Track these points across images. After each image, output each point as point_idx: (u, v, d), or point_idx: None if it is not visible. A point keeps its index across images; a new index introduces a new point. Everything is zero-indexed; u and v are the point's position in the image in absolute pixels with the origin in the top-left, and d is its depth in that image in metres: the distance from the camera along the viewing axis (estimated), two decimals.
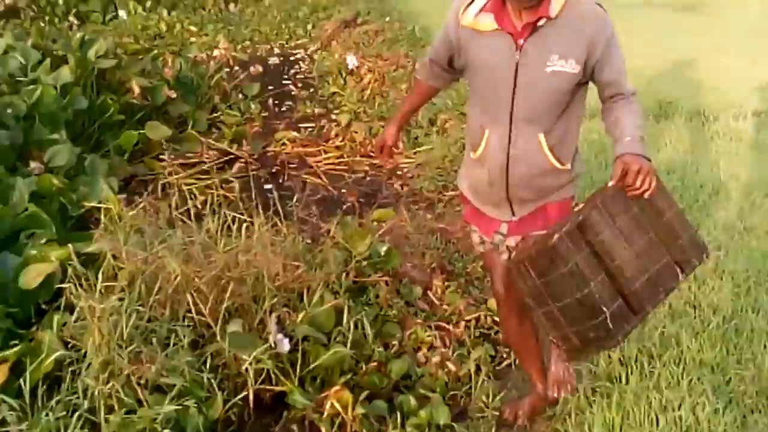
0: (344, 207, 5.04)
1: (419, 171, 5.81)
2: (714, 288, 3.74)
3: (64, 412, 2.88)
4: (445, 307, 3.99)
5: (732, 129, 6.23)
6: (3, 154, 4.48)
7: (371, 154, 6.08)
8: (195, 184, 5.38)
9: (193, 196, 4.91)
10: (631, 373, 3.16)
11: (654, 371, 3.15)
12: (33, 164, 4.57)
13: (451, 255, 4.50)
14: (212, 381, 3.14)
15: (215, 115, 6.86)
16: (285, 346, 3.30)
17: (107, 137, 5.78)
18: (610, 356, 3.25)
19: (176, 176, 5.43)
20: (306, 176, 5.80)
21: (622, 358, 3.24)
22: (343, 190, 5.59)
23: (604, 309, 2.43)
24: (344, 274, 3.81)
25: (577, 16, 2.62)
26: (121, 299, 3.15)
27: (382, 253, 4.08)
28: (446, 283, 4.13)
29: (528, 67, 2.65)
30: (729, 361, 3.24)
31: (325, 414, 3.16)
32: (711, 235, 4.29)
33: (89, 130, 5.78)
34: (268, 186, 5.59)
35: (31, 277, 3.26)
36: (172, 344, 3.17)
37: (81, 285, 3.20)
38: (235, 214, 3.70)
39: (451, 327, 3.81)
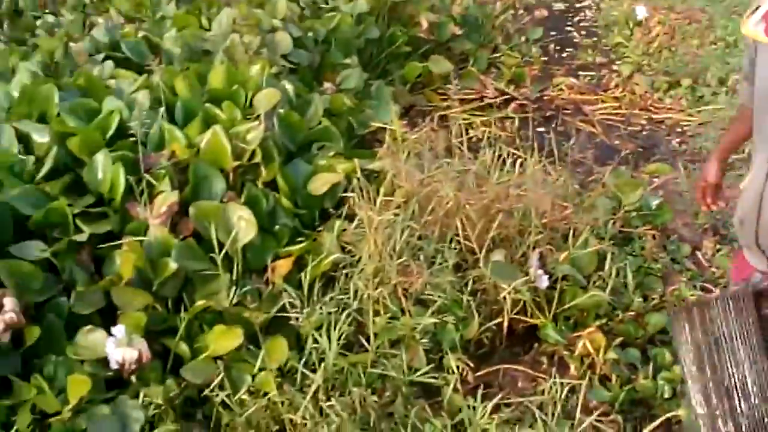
0: (618, 157, 4.95)
1: (701, 130, 5.56)
2: None
3: (335, 309, 3.14)
4: (713, 269, 3.86)
5: None
6: (302, 73, 4.84)
7: (650, 107, 5.89)
8: (471, 119, 5.51)
9: (469, 130, 5.05)
10: None
11: None
12: (326, 84, 4.90)
13: (727, 218, 4.30)
14: (471, 303, 3.27)
15: (496, 55, 6.92)
16: (544, 281, 3.36)
17: (393, 67, 6.04)
18: None
19: (454, 110, 5.59)
20: (581, 123, 5.74)
21: None
22: (617, 141, 5.48)
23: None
24: (611, 222, 3.79)
25: None
26: (396, 214, 3.35)
27: (653, 207, 4.01)
28: (717, 246, 3.98)
29: None
30: None
31: (576, 353, 3.21)
32: None
33: (377, 59, 6.07)
34: (541, 129, 5.60)
35: (319, 185, 3.55)
36: (437, 263, 3.33)
37: (362, 197, 3.44)
38: (510, 149, 3.77)
39: (717, 290, 3.67)
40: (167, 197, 3.28)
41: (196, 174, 3.42)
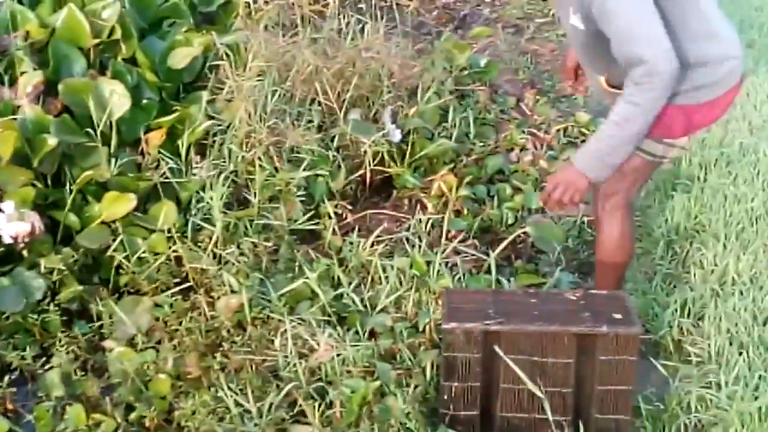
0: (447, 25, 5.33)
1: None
2: None
3: (213, 172, 3.34)
4: (535, 117, 4.35)
5: None
6: None
7: None
8: None
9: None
10: (710, 173, 3.54)
11: (731, 172, 3.52)
12: None
13: (541, 74, 4.82)
14: (336, 158, 3.58)
15: None
16: (397, 135, 3.72)
17: None
18: (690, 160, 3.62)
19: None
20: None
21: (701, 162, 3.61)
22: (434, 13, 5.84)
23: None
24: (448, 80, 4.17)
25: None
26: (260, 80, 3.56)
27: (482, 65, 4.43)
28: (537, 97, 4.48)
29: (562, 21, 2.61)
30: None
31: (432, 193, 3.61)
32: None
33: None
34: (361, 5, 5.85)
35: (179, 59, 3.66)
36: (303, 124, 3.60)
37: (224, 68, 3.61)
38: (358, 16, 4.05)
39: (541, 133, 4.18)
40: (32, 77, 3.31)
41: (55, 53, 3.45)
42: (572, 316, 2.38)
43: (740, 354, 2.64)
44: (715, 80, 2.51)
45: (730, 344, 2.71)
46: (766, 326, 2.76)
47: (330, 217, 3.36)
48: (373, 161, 3.67)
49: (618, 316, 2.36)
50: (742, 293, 2.90)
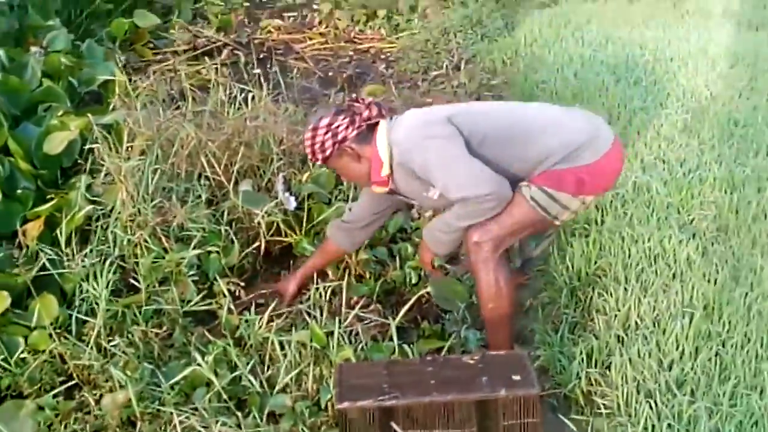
0: (337, 86, 5.29)
1: (401, 54, 6.07)
2: (681, 145, 4.09)
3: (97, 259, 3.19)
4: None
5: (702, 7, 6.52)
6: (4, 40, 4.65)
7: (354, 39, 6.32)
8: (188, 69, 5.58)
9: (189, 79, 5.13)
10: (606, 215, 3.53)
11: (627, 212, 3.51)
12: (34, 49, 4.74)
13: None
14: (229, 232, 3.45)
15: (199, 5, 7.00)
16: (292, 203, 3.62)
17: (97, 26, 5.95)
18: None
19: (169, 62, 5.63)
20: (294, 61, 6.02)
21: (598, 205, 3.60)
22: (330, 73, 5.82)
23: None
24: None
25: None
26: (141, 160, 3.43)
27: None
28: None
29: None
30: (693, 204, 3.61)
31: None
32: (680, 101, 4.63)
33: (79, 19, 5.94)
34: (257, 71, 5.80)
35: (56, 144, 3.52)
36: (191, 201, 3.47)
37: (105, 149, 3.47)
38: (240, 86, 3.96)
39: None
40: None
41: None
42: (470, 382, 2.29)
43: (648, 402, 2.57)
44: (574, 150, 2.75)
45: (638, 392, 2.64)
46: (671, 371, 2.70)
47: (225, 296, 3.21)
48: (270, 231, 3.56)
49: (516, 377, 2.28)
50: (646, 338, 2.85)
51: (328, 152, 2.86)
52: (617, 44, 5.52)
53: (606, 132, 2.87)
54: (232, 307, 3.18)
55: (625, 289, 3.09)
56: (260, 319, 3.06)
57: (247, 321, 3.06)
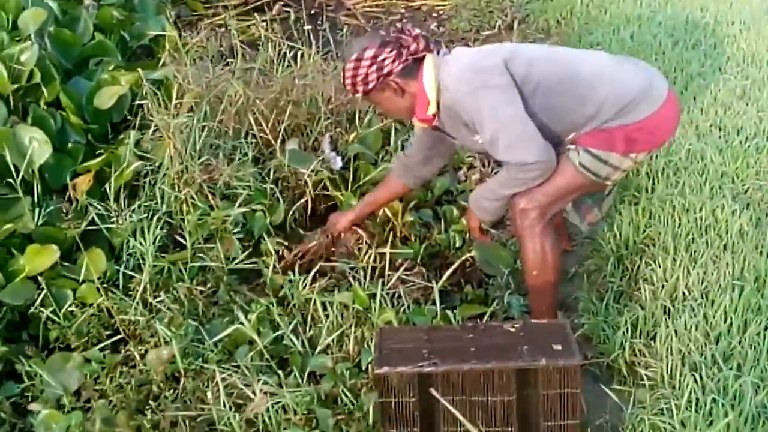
0: None
1: (453, 12, 5.97)
2: (739, 112, 3.97)
3: (145, 215, 3.21)
4: None
5: None
6: None
7: None
8: (240, 24, 5.56)
9: (240, 35, 5.12)
10: (658, 183, 3.45)
11: (679, 180, 3.43)
12: (86, 2, 4.76)
13: None
14: (275, 190, 3.46)
15: None
16: (338, 163, 3.61)
17: None
18: (638, 171, 3.53)
19: (221, 16, 5.63)
20: (345, 18, 5.96)
21: (649, 172, 3.52)
22: (382, 31, 5.74)
23: None
24: None
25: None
26: (190, 116, 3.44)
27: None
28: None
29: None
30: (748, 173, 3.51)
31: (378, 220, 3.49)
32: (740, 66, 4.48)
33: None
34: (308, 27, 5.75)
35: (105, 98, 3.54)
36: (237, 158, 3.48)
37: (155, 104, 3.49)
38: (290, 43, 3.93)
39: None
40: None
41: None
42: (510, 351, 2.26)
43: (693, 375, 2.53)
44: (628, 103, 2.65)
45: (683, 365, 2.60)
46: (718, 344, 2.65)
47: (270, 255, 3.23)
48: (315, 191, 3.56)
49: (558, 347, 2.25)
50: (693, 309, 2.80)
51: (370, 86, 2.71)
52: (677, 5, 5.35)
53: (660, 84, 2.76)
54: (277, 266, 3.20)
55: (674, 259, 3.03)
56: (304, 279, 3.07)
57: (291, 281, 3.07)
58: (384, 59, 2.66)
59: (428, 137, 3.04)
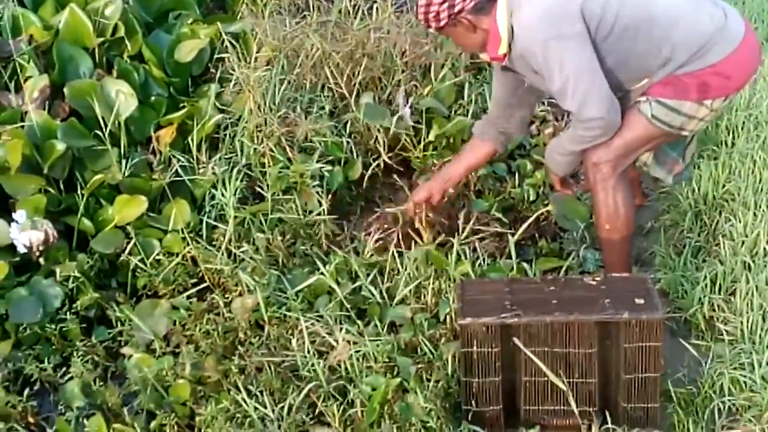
0: None
1: None
2: None
3: (225, 167, 3.29)
4: None
5: None
6: None
7: None
8: None
9: None
10: (738, 137, 3.41)
11: (760, 135, 3.38)
12: None
13: None
14: (351, 144, 3.50)
15: None
16: (409, 117, 3.62)
17: None
18: (717, 124, 3.49)
19: None
20: None
21: (728, 125, 3.47)
22: None
23: None
24: (461, 55, 4.05)
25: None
26: (268, 70, 3.48)
27: None
28: None
29: None
30: None
31: None
32: None
33: None
34: None
35: (186, 52, 3.60)
36: (314, 112, 3.52)
37: (234, 58, 3.54)
38: None
39: None
40: (37, 81, 3.27)
41: (60, 55, 3.40)
42: (592, 304, 2.30)
43: None
44: (703, 45, 2.61)
45: (764, 320, 2.60)
46: None
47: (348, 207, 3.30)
48: (389, 146, 3.59)
49: (640, 300, 2.28)
50: None
51: (442, 23, 2.69)
52: None
53: (736, 24, 2.68)
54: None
55: (755, 214, 3.00)
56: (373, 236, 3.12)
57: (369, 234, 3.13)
58: None
59: (506, 87, 3.02)
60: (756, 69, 2.82)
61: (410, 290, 2.86)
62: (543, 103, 3.97)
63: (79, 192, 3.11)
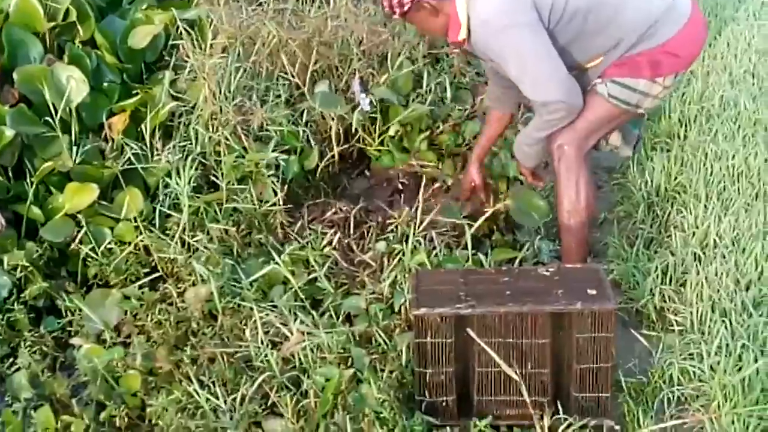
0: None
1: None
2: None
3: (179, 155, 3.24)
4: None
5: None
6: None
7: None
8: None
9: None
10: (690, 130, 3.45)
11: (712, 128, 3.43)
12: None
13: None
14: (307, 133, 3.47)
15: None
16: (366, 105, 3.60)
17: None
18: (670, 116, 3.53)
19: None
20: None
21: (681, 118, 3.52)
22: None
23: None
24: (419, 44, 4.04)
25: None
26: (224, 57, 3.44)
27: None
28: None
29: None
30: None
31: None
32: None
33: None
34: None
35: (140, 38, 3.53)
36: (270, 100, 3.49)
37: (189, 45, 3.48)
38: None
39: None
40: None
41: (10, 39, 3.32)
42: (546, 294, 2.30)
43: (723, 321, 2.57)
44: (652, 25, 2.69)
45: (713, 311, 2.64)
46: (748, 291, 2.69)
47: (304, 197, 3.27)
48: (345, 134, 3.57)
49: (593, 291, 2.29)
50: (724, 257, 2.83)
51: (406, 7, 2.77)
52: None
53: (682, 2, 2.78)
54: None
55: (705, 206, 3.05)
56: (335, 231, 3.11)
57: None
58: None
59: (493, 73, 3.09)
60: (702, 46, 2.91)
61: (365, 280, 2.86)
62: None
63: (28, 179, 3.05)
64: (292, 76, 3.60)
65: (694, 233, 2.96)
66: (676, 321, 2.70)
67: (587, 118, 2.79)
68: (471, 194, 3.34)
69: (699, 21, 2.82)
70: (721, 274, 2.75)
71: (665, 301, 2.79)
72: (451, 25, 2.79)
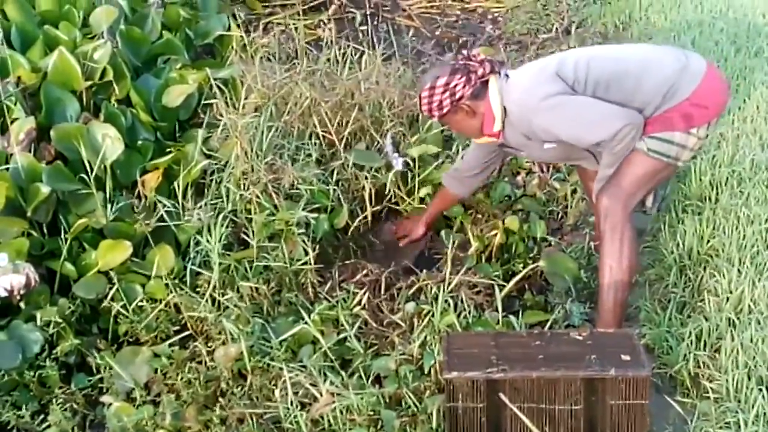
0: (445, 47, 5.26)
1: (510, 15, 5.96)
2: None
3: (211, 213, 3.27)
4: None
5: None
6: None
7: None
8: (296, 23, 5.61)
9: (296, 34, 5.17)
10: (721, 193, 3.43)
11: (743, 191, 3.40)
12: (151, 0, 4.86)
13: None
14: (337, 192, 3.49)
15: None
16: (399, 163, 3.64)
17: None
18: (701, 179, 3.52)
19: (278, 16, 5.69)
20: (400, 19, 5.99)
21: (712, 180, 3.50)
22: (437, 32, 5.78)
23: None
24: None
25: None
26: (256, 116, 3.49)
27: None
28: None
29: None
30: None
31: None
32: None
33: None
34: (363, 27, 5.78)
35: (174, 97, 3.61)
36: (301, 159, 3.52)
37: (222, 104, 3.55)
38: (354, 45, 3.97)
39: None
40: (24, 124, 3.27)
41: (47, 98, 3.41)
42: (579, 359, 2.28)
43: (760, 390, 2.52)
44: (672, 85, 2.80)
45: (749, 379, 2.59)
46: None
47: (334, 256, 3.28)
48: (376, 192, 3.60)
49: (626, 357, 2.27)
50: (759, 322, 2.78)
51: (445, 110, 2.94)
52: (739, 11, 5.28)
53: (695, 59, 2.91)
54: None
55: (739, 270, 3.01)
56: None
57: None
58: (455, 85, 2.90)
59: (485, 152, 3.25)
60: (726, 96, 3.00)
61: (396, 341, 2.84)
62: None
63: (62, 236, 3.09)
64: (324, 137, 3.64)
65: (727, 298, 2.92)
66: (711, 388, 2.65)
67: (631, 175, 2.86)
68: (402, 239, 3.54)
69: (716, 73, 2.92)
70: (757, 340, 2.70)
71: (699, 367, 2.74)
72: (486, 120, 2.96)
